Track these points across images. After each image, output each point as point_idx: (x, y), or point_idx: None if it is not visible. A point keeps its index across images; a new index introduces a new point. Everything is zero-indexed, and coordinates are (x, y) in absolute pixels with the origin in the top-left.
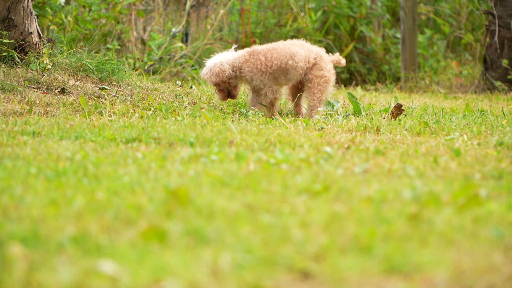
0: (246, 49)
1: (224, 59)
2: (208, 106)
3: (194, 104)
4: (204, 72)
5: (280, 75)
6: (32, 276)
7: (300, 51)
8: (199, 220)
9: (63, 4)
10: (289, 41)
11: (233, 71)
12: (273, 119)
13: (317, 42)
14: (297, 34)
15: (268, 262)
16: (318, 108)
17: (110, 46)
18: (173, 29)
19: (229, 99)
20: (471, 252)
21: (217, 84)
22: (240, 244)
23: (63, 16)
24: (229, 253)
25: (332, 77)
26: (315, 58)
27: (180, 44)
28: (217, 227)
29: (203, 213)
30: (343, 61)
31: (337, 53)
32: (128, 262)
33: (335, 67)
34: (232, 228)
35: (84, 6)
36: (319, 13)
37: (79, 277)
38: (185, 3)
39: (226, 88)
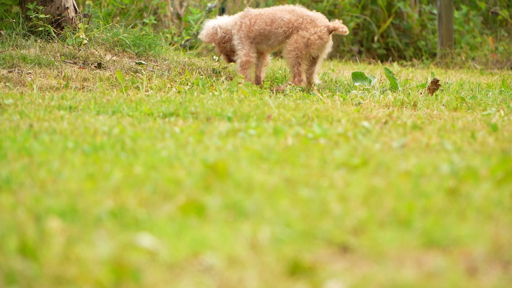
0: (240, 13)
1: (218, 22)
2: (245, 81)
3: (231, 79)
4: (200, 32)
5: (262, 41)
6: (71, 250)
7: (285, 16)
8: (237, 194)
9: None
10: (281, 7)
11: (225, 33)
12: (238, 84)
13: (354, 18)
14: (334, 9)
15: (307, 236)
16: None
17: (147, 21)
18: (209, 4)
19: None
20: (509, 226)
21: (217, 46)
22: (279, 218)
23: None
24: (268, 227)
25: (316, 41)
26: (301, 22)
27: None
28: (256, 201)
29: (242, 187)
30: (342, 29)
31: (337, 20)
32: (167, 236)
33: (341, 39)
34: (271, 202)
35: None
36: None
37: (117, 251)
38: None
39: (227, 51)
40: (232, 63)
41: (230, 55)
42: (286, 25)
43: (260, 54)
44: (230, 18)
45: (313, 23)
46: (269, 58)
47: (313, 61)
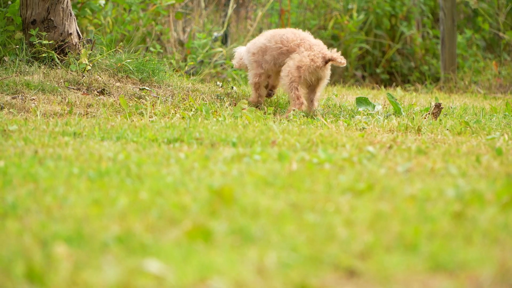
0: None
1: (245, 47)
2: (249, 106)
3: (235, 105)
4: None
5: (262, 57)
6: (78, 275)
7: (286, 34)
8: (244, 219)
9: (102, 4)
10: (288, 29)
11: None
12: (258, 105)
13: (358, 43)
14: (338, 33)
15: (313, 260)
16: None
17: (152, 49)
18: (215, 33)
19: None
20: None
21: (245, 70)
22: (285, 242)
23: (101, 17)
24: (275, 252)
25: (308, 65)
26: (298, 44)
27: (220, 49)
28: (262, 226)
29: (248, 212)
30: (339, 60)
31: (335, 50)
32: (174, 261)
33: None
34: (277, 227)
35: (124, 8)
36: (361, 16)
37: (124, 276)
38: (224, 4)
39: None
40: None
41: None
42: (282, 42)
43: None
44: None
45: (309, 48)
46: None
47: (312, 88)
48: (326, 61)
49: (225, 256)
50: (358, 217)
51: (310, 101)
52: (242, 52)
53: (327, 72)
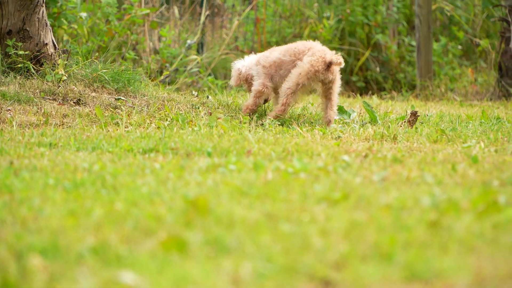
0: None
1: (242, 62)
2: (224, 116)
3: (210, 114)
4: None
5: (275, 71)
6: (53, 287)
7: (298, 46)
8: (219, 229)
9: (84, 17)
10: (303, 41)
11: (249, 70)
12: (249, 112)
13: (333, 50)
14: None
15: (289, 270)
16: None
17: (127, 55)
18: (189, 41)
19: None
20: (491, 258)
21: (245, 84)
22: (260, 253)
23: (82, 28)
24: (250, 262)
25: (309, 70)
26: (303, 51)
27: (195, 56)
28: (237, 236)
29: (223, 223)
30: (337, 60)
31: (333, 52)
32: (149, 273)
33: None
34: (252, 237)
35: (98, 18)
36: (334, 22)
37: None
38: (200, 13)
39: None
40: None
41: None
42: (295, 55)
43: (276, 91)
44: (254, 56)
45: (311, 54)
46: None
47: (325, 95)
48: (328, 65)
49: (200, 267)
50: (333, 227)
51: (325, 110)
52: (241, 67)
53: (334, 76)
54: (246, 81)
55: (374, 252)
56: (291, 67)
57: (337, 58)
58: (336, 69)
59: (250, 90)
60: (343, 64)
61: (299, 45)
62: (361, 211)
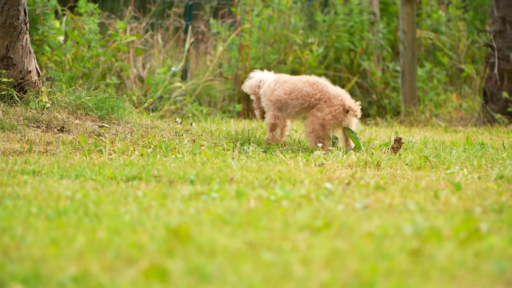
0: (276, 75)
1: (264, 76)
2: (208, 143)
3: (194, 142)
4: (245, 82)
5: (282, 107)
6: None
7: (305, 88)
8: (200, 258)
9: (61, 41)
10: (305, 77)
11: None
12: (269, 143)
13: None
14: (298, 67)
15: None
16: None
17: (109, 81)
18: (173, 68)
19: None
20: (473, 286)
21: (256, 100)
22: (241, 282)
23: (61, 53)
24: None
25: (330, 121)
26: (319, 99)
27: (179, 83)
28: (219, 265)
29: (204, 251)
30: (355, 112)
31: (357, 102)
32: None
33: None
34: (233, 266)
35: (78, 43)
36: (321, 49)
37: None
38: (184, 40)
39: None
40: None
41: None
42: (303, 98)
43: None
44: (271, 76)
45: (329, 102)
46: (289, 122)
47: (344, 131)
48: (346, 110)
49: None
50: (315, 255)
51: (346, 140)
52: (264, 79)
53: (351, 120)
54: (259, 99)
55: (355, 281)
56: (298, 109)
57: (357, 109)
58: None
59: (259, 109)
60: (359, 116)
61: (306, 86)
62: (343, 239)
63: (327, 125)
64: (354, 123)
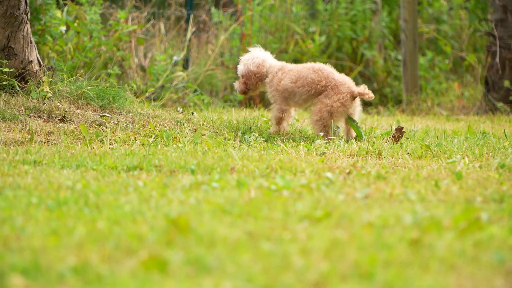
0: (279, 62)
1: (266, 57)
2: (209, 132)
3: (195, 131)
4: (246, 57)
5: (289, 97)
6: None
7: (310, 75)
8: (199, 248)
9: (63, 31)
10: (309, 64)
11: (266, 72)
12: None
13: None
14: (299, 57)
15: None
16: (319, 133)
17: (111, 71)
18: (175, 57)
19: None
20: (472, 277)
21: (248, 75)
22: (241, 272)
23: (63, 43)
24: (230, 282)
25: (339, 108)
26: (325, 86)
27: (181, 73)
28: (218, 256)
29: (204, 242)
30: (368, 95)
31: (363, 86)
32: None
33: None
34: (233, 256)
35: (79, 33)
36: (322, 38)
37: None
38: (185, 30)
39: (250, 86)
40: (244, 95)
41: (249, 90)
42: (309, 85)
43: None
44: (275, 62)
45: (337, 89)
46: (293, 111)
47: (347, 121)
48: (353, 98)
49: (181, 287)
50: (314, 246)
51: (348, 130)
52: (265, 60)
53: (358, 107)
54: (253, 77)
55: (354, 271)
56: (305, 97)
57: (368, 92)
58: (357, 98)
59: (243, 84)
60: (373, 97)
61: (310, 73)
62: (343, 230)
63: (335, 113)
64: (358, 112)
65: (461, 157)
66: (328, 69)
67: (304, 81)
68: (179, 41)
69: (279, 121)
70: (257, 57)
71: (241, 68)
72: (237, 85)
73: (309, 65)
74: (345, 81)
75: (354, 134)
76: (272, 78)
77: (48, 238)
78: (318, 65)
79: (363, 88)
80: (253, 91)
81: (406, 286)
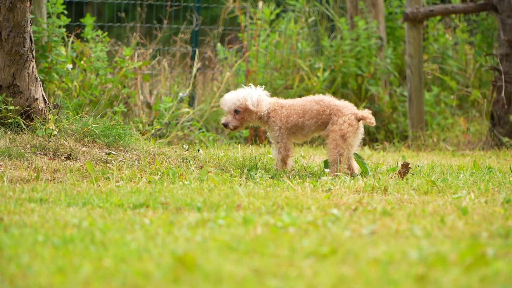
0: (272, 98)
1: (264, 95)
2: (215, 169)
3: (201, 168)
4: (246, 92)
5: (297, 131)
6: None
7: (314, 107)
8: (206, 286)
9: (69, 68)
10: (310, 97)
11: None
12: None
13: None
14: (305, 94)
15: None
16: (328, 170)
17: (117, 109)
18: (180, 94)
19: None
20: None
21: (248, 112)
22: None
23: (70, 81)
24: None
25: (348, 129)
26: (329, 114)
27: (187, 109)
28: None
29: (211, 279)
30: (370, 120)
31: (367, 110)
32: None
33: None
34: None
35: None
36: (326, 73)
37: None
38: (191, 66)
39: (248, 123)
40: (234, 130)
41: (242, 126)
42: (316, 117)
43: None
44: (269, 99)
45: (340, 113)
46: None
47: None
48: (358, 120)
49: None
50: (320, 282)
51: (350, 160)
52: (265, 98)
53: (361, 130)
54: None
55: None
56: (314, 128)
57: (371, 116)
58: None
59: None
60: (374, 123)
61: (313, 105)
62: (349, 266)
63: (346, 134)
64: (360, 134)
65: (466, 193)
66: (328, 98)
67: (311, 114)
68: (184, 77)
69: (286, 159)
70: (256, 93)
71: (237, 104)
72: (229, 119)
73: (309, 98)
74: (346, 105)
75: (355, 169)
76: (279, 116)
77: (54, 276)
78: (318, 96)
79: (366, 112)
80: (242, 128)
81: None
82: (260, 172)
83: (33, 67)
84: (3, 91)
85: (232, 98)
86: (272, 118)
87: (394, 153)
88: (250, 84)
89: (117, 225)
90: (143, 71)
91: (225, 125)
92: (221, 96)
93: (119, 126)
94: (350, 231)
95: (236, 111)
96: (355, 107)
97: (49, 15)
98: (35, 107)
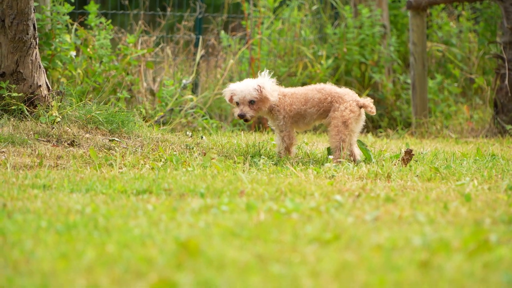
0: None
1: (274, 84)
2: (218, 156)
3: (204, 155)
4: (260, 81)
5: (299, 119)
6: None
7: (316, 95)
8: (209, 271)
9: (73, 56)
10: (311, 86)
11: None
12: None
13: None
14: (309, 81)
15: None
16: (332, 156)
17: (120, 95)
18: (184, 81)
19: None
20: None
21: (260, 102)
22: None
23: (73, 68)
24: None
25: (350, 115)
26: (331, 102)
27: (190, 96)
28: (228, 278)
29: (214, 265)
30: (370, 109)
31: (368, 98)
32: None
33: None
34: (242, 279)
35: (91, 58)
36: (330, 61)
37: None
38: (194, 53)
39: (261, 111)
40: (247, 121)
41: (255, 116)
42: (318, 105)
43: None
44: (276, 88)
45: (341, 100)
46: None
47: None
48: (360, 107)
49: None
50: (323, 268)
51: (351, 146)
52: (268, 86)
53: (362, 117)
54: (264, 103)
55: None
56: (316, 116)
57: (372, 105)
58: (362, 110)
59: (255, 111)
60: (375, 113)
61: (315, 93)
62: (352, 252)
63: (348, 121)
64: (361, 120)
65: (470, 179)
66: (329, 87)
67: (313, 102)
68: (188, 65)
69: (290, 147)
70: (266, 83)
71: (253, 94)
72: (245, 110)
73: (310, 86)
74: (348, 92)
75: (358, 155)
76: (279, 104)
77: (57, 262)
78: (319, 85)
79: (368, 101)
80: (255, 118)
81: None
82: (263, 158)
83: (36, 54)
84: (7, 78)
85: (246, 88)
86: (276, 107)
87: (397, 140)
88: (262, 72)
89: (120, 211)
90: (146, 58)
91: (242, 116)
92: (224, 83)
93: (123, 113)
94: (353, 217)
95: (251, 101)
96: (356, 94)
97: (53, 3)
98: (38, 94)
